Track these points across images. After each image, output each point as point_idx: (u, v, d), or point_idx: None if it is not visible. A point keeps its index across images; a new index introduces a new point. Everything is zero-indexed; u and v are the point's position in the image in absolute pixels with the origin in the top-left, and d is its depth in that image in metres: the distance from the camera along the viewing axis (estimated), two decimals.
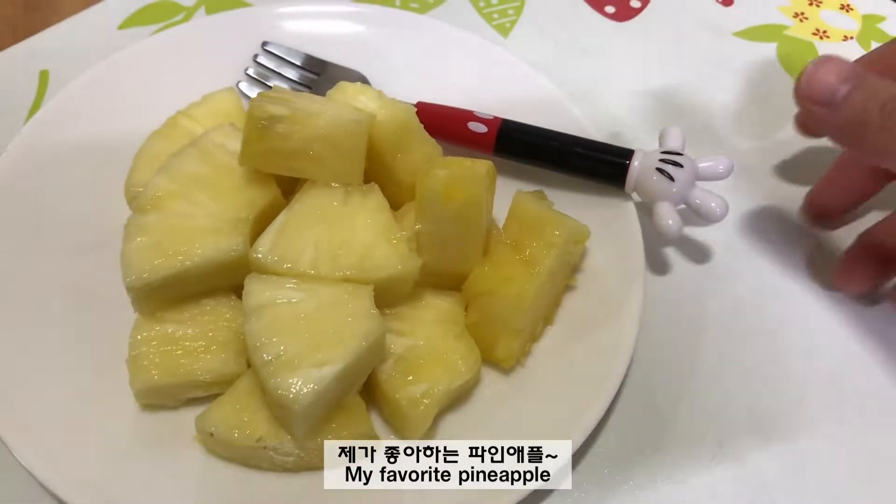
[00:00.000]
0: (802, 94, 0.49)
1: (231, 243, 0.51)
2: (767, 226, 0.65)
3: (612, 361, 0.53)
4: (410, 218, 0.56)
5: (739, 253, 0.64)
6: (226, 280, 0.53)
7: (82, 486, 0.47)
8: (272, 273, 0.50)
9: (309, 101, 0.54)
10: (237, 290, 0.53)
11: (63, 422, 0.50)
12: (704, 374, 0.57)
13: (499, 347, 0.53)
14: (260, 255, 0.50)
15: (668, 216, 0.57)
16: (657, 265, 0.62)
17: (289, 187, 0.57)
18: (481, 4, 0.77)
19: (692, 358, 0.58)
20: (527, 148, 0.61)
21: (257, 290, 0.49)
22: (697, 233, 0.64)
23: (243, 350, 0.51)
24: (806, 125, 0.60)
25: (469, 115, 0.61)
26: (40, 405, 0.50)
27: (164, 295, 0.51)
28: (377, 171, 0.57)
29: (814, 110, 0.49)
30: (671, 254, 0.63)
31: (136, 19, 0.74)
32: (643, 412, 0.56)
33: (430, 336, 0.53)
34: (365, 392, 0.51)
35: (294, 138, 0.52)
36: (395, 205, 0.56)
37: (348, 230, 0.53)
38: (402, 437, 0.51)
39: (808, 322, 0.60)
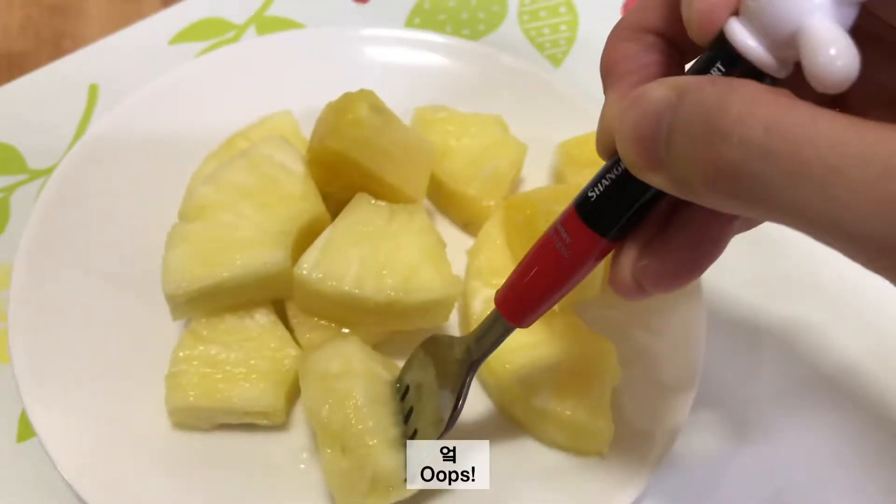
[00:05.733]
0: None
1: (273, 257, 0.50)
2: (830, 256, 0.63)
3: (673, 413, 0.51)
4: (488, 248, 0.56)
5: (802, 286, 0.61)
6: (266, 293, 0.52)
7: (106, 493, 0.47)
8: (316, 290, 0.49)
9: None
10: (277, 304, 0.53)
11: (98, 431, 0.49)
12: (761, 422, 0.55)
13: None
14: (305, 272, 0.49)
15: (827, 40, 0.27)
16: (714, 306, 0.60)
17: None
18: (533, 34, 0.76)
19: (749, 406, 0.56)
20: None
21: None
22: (760, 267, 0.62)
23: (282, 382, 0.50)
24: None
25: (547, 245, 0.40)
26: (78, 410, 0.49)
27: (203, 304, 0.50)
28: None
29: (648, 179, 0.32)
30: (728, 294, 0.61)
31: (186, 35, 0.73)
32: (699, 460, 0.53)
33: (563, 350, 0.51)
34: (521, 421, 0.52)
35: (384, 134, 0.52)
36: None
37: (393, 249, 0.52)
38: (585, 453, 0.51)
39: (874, 366, 0.58)
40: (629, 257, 0.37)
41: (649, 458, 0.49)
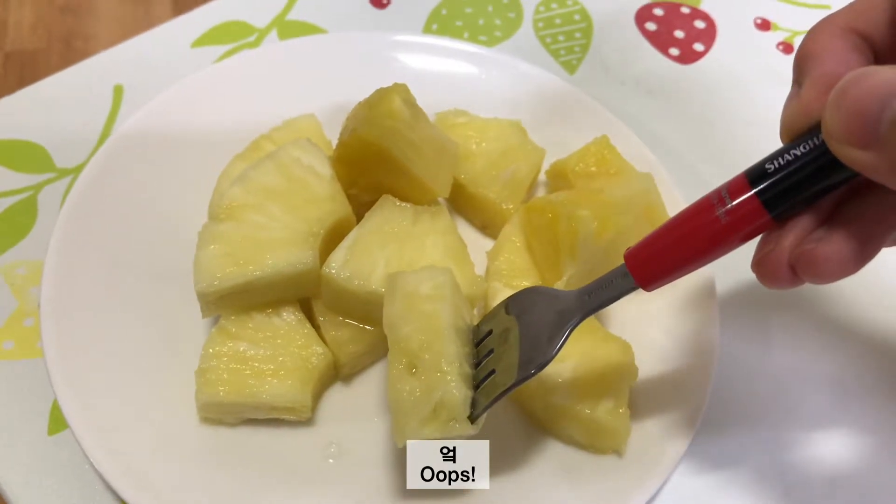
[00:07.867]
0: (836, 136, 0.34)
1: (301, 257, 0.51)
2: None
3: (688, 412, 0.52)
4: (508, 250, 0.57)
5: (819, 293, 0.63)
6: (294, 292, 0.53)
7: (137, 485, 0.48)
8: (343, 288, 0.50)
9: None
10: (303, 303, 0.54)
11: (128, 424, 0.50)
12: (773, 420, 0.56)
13: None
14: (333, 271, 0.51)
15: None
16: (727, 305, 0.61)
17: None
18: (548, 40, 0.78)
19: (761, 404, 0.57)
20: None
21: None
22: None
23: (309, 378, 0.51)
24: None
25: (705, 208, 0.39)
26: (108, 404, 0.50)
27: (233, 302, 0.51)
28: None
29: (851, 157, 0.33)
30: (740, 292, 0.62)
31: (209, 38, 0.75)
32: (713, 457, 0.54)
33: (583, 351, 0.52)
34: (540, 419, 0.53)
35: (415, 128, 0.53)
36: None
37: (418, 250, 0.53)
38: (602, 451, 0.52)
39: (885, 363, 0.59)
40: (789, 241, 0.38)
41: (666, 457, 0.51)
